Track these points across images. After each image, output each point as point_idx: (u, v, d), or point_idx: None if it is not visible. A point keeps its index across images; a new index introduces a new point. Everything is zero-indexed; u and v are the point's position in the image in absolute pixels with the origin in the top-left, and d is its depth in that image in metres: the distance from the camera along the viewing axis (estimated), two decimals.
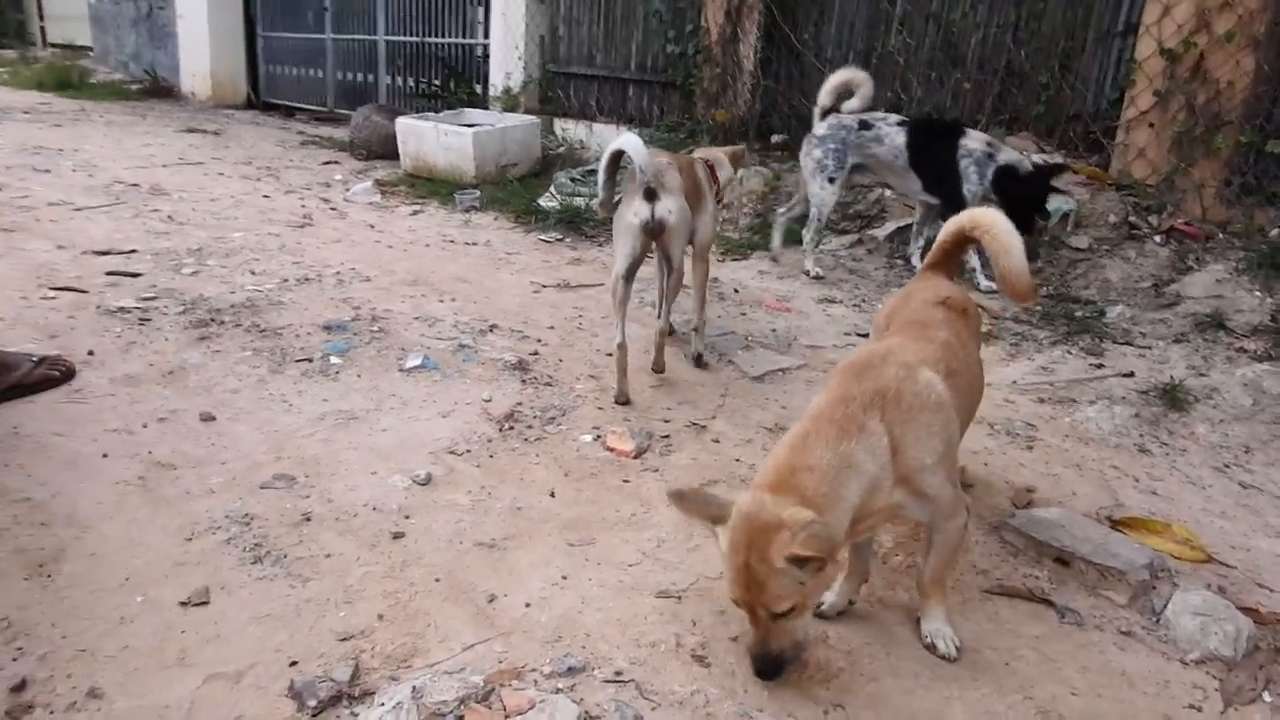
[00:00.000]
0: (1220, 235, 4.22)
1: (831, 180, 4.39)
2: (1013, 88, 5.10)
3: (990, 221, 2.20)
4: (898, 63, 5.59)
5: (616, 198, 3.15)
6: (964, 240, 2.32)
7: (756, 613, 1.65)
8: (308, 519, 2.21)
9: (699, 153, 3.57)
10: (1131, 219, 4.36)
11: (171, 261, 4.23)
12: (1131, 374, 3.38)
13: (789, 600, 1.60)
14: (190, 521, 2.16)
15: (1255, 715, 1.79)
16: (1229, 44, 4.21)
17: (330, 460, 2.51)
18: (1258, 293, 3.79)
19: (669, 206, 2.96)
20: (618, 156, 3.00)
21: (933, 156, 4.18)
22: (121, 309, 3.51)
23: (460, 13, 9.04)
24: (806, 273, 4.49)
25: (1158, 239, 4.25)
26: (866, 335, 3.78)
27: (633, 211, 2.96)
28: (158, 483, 2.31)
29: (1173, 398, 3.16)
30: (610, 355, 3.13)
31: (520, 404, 2.96)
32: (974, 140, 4.13)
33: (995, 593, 2.11)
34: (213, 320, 3.46)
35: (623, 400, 3.03)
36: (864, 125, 4.35)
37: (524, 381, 3.15)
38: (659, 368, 3.27)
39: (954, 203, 4.06)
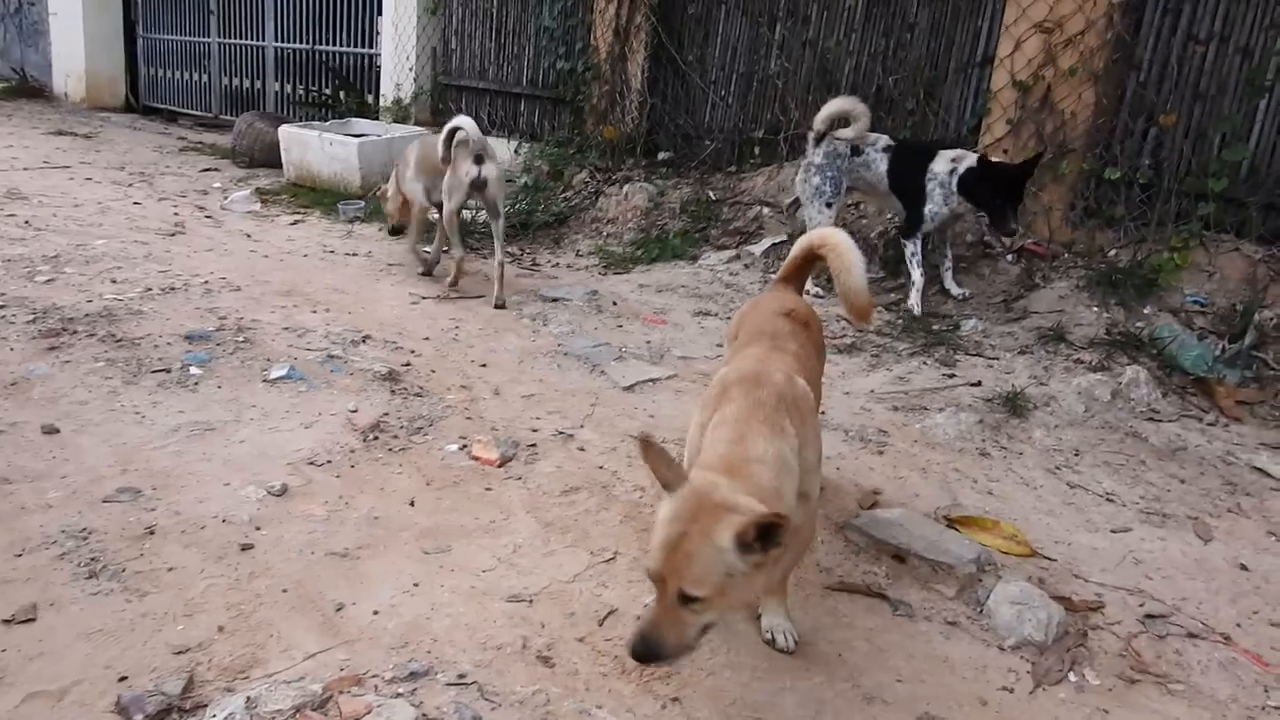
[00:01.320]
0: (1065, 255, 4.52)
1: (829, 205, 4.51)
2: (883, 112, 5.34)
3: (835, 241, 2.35)
4: (777, 86, 5.79)
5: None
6: (812, 256, 2.44)
7: (667, 591, 1.56)
8: (151, 532, 2.15)
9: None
10: (986, 239, 4.63)
11: (24, 269, 4.04)
12: (979, 383, 3.59)
13: (708, 587, 1.53)
14: (22, 537, 2.07)
15: (1061, 694, 1.94)
16: (1073, 77, 4.53)
17: (181, 472, 2.45)
18: (1095, 308, 4.09)
19: (492, 169, 4.23)
20: (454, 131, 4.19)
21: (907, 180, 4.33)
22: None
23: (352, 21, 8.90)
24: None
25: (1010, 258, 4.53)
26: None
27: (464, 171, 4.18)
28: None
29: (1014, 405, 3.38)
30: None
31: (387, 414, 2.94)
32: (940, 162, 4.23)
33: (835, 589, 2.22)
34: (64, 330, 3.32)
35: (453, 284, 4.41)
36: (855, 151, 4.46)
37: (393, 392, 3.13)
38: (501, 303, 4.24)
39: (911, 221, 4.33)
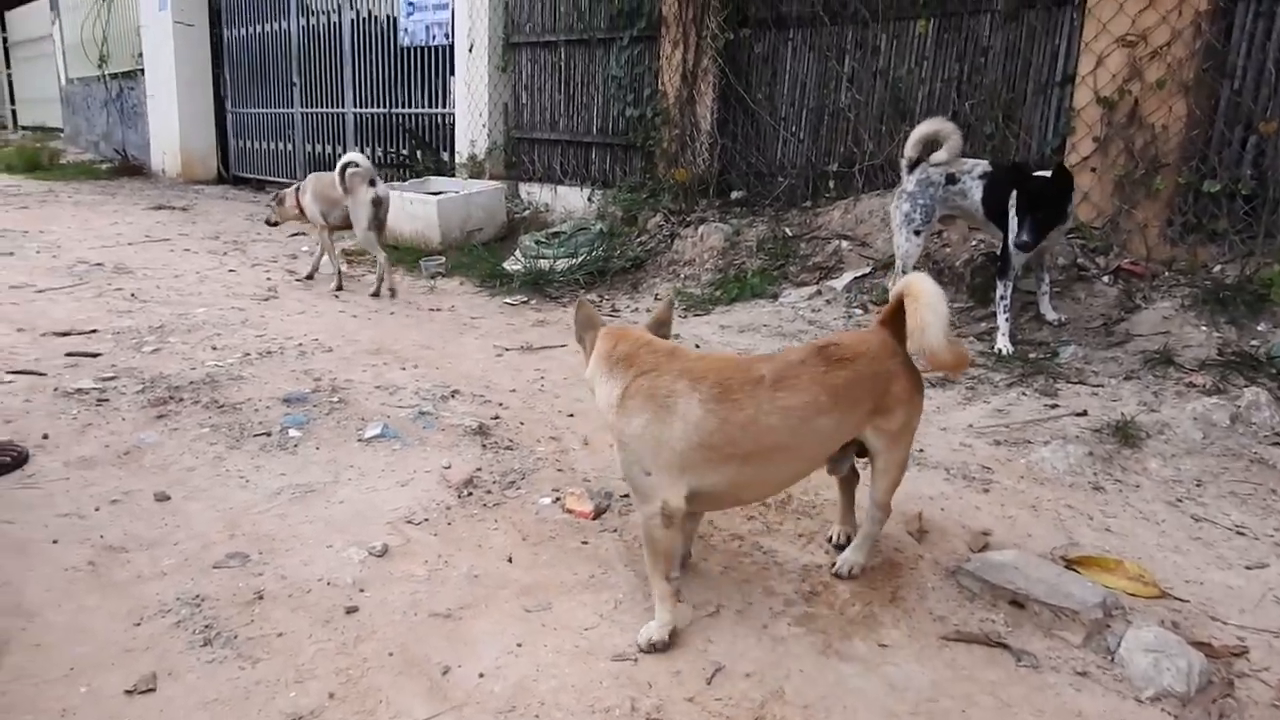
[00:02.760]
0: (1165, 273, 4.32)
1: (917, 233, 4.38)
2: (962, 138, 5.23)
3: (916, 290, 2.10)
4: (849, 118, 5.75)
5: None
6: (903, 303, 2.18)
7: None
8: (260, 597, 2.19)
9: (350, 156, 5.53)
10: (1080, 261, 4.46)
11: (132, 340, 4.23)
12: (1085, 413, 3.43)
13: None
14: (139, 605, 2.13)
15: None
16: (1161, 90, 4.37)
17: (285, 535, 2.49)
18: (1204, 328, 3.88)
19: (383, 189, 5.40)
20: (348, 165, 5.26)
21: (997, 210, 4.14)
22: (79, 390, 3.50)
23: (426, 83, 9.21)
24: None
25: (1106, 279, 4.36)
26: None
27: (364, 194, 5.26)
28: (108, 567, 2.29)
29: (1125, 434, 3.21)
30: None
31: (480, 469, 2.96)
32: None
33: (952, 639, 2.11)
34: (171, 398, 3.45)
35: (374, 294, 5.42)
36: (950, 179, 4.29)
37: (484, 446, 3.15)
38: (391, 292, 5.43)
39: (1002, 259, 4.13)
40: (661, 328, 2.30)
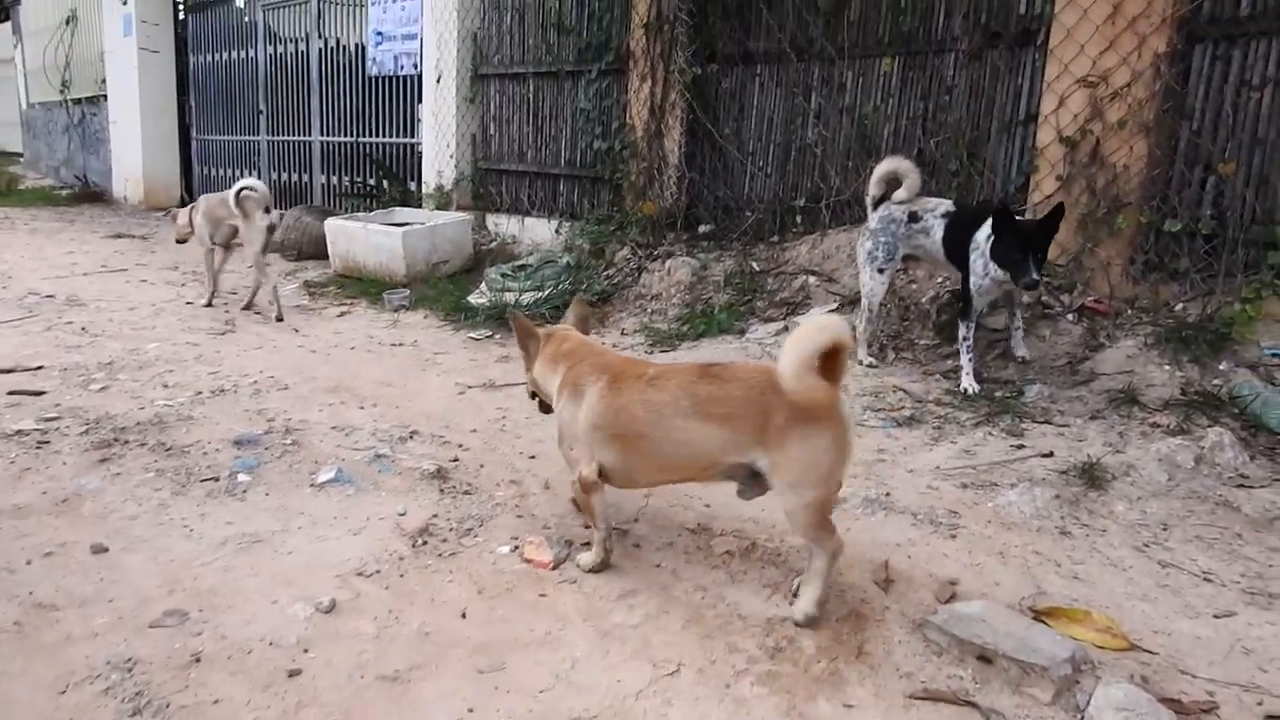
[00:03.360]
0: (1129, 311, 4.34)
1: (881, 271, 4.35)
2: (926, 175, 5.25)
3: (799, 326, 2.15)
4: (815, 154, 5.76)
5: None
6: None
7: None
8: (197, 660, 2.08)
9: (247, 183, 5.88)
10: (1044, 299, 4.48)
11: (80, 377, 4.09)
12: (1051, 454, 3.41)
13: None
14: (67, 671, 2.01)
15: None
16: (1122, 130, 4.42)
17: (228, 590, 2.38)
18: (1167, 366, 3.89)
19: (275, 215, 5.68)
20: (242, 189, 5.50)
21: (957, 250, 4.10)
22: (19, 432, 3.36)
23: (394, 113, 9.16)
24: (860, 361, 4.40)
25: (1070, 317, 4.37)
26: None
27: (259, 219, 5.53)
28: (35, 627, 2.17)
29: (1091, 477, 3.19)
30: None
31: (436, 516, 2.87)
32: (984, 230, 3.91)
33: (919, 697, 2.05)
34: (116, 440, 3.33)
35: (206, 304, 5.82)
36: (913, 217, 4.27)
37: (442, 491, 3.06)
38: (280, 316, 5.55)
39: (964, 300, 4.06)
40: (583, 323, 2.82)
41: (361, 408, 3.88)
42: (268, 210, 5.62)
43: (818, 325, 2.06)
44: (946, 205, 4.26)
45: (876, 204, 4.40)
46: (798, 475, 2.20)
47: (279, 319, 5.51)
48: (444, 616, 2.31)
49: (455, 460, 3.34)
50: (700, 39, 6.19)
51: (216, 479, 3.04)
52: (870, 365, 4.40)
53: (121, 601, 2.30)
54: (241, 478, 3.06)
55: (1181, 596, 2.52)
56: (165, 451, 3.25)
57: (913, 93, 5.35)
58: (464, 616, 2.31)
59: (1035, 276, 3.69)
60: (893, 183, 4.36)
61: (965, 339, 4.06)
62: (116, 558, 2.52)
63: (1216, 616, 2.43)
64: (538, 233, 7.32)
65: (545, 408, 2.81)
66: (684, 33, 6.16)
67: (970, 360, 4.06)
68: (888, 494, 3.09)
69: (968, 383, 4.02)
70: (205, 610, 2.28)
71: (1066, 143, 4.58)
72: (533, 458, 3.41)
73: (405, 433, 3.59)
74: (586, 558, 2.57)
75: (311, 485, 3.04)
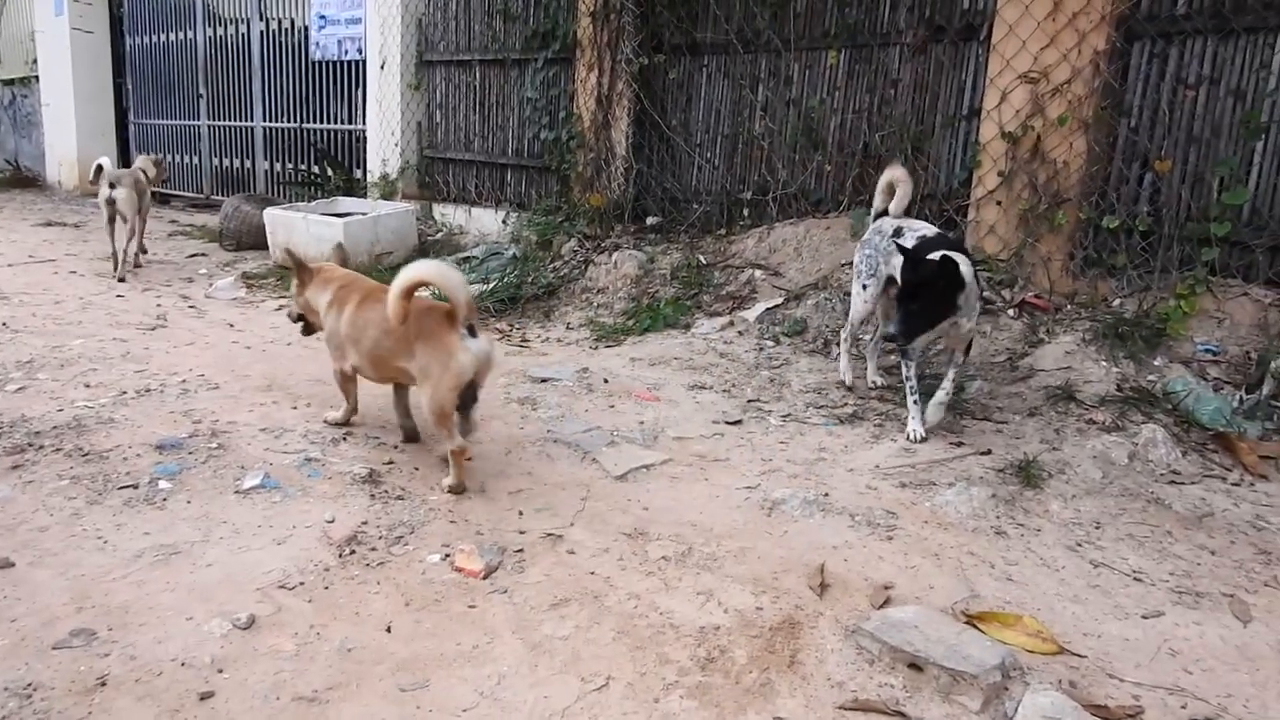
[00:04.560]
0: (1068, 306, 4.39)
1: (864, 287, 3.91)
2: (870, 169, 5.26)
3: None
4: (763, 146, 5.74)
5: None
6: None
7: None
8: (103, 683, 1.98)
9: (138, 161, 7.08)
10: (986, 294, 4.50)
11: None
12: (989, 451, 3.43)
13: None
14: None
15: None
16: (1062, 127, 4.45)
17: (141, 607, 2.28)
18: (1103, 363, 3.94)
19: (120, 192, 6.35)
20: (99, 166, 6.37)
21: None
22: None
23: (338, 98, 8.95)
24: (841, 381, 4.15)
25: (1011, 312, 4.40)
26: (736, 422, 3.76)
27: (102, 193, 6.32)
28: None
29: (1028, 475, 3.21)
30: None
31: (366, 523, 2.78)
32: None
33: (849, 708, 2.03)
34: (30, 445, 3.19)
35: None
36: (897, 234, 3.73)
37: (373, 496, 2.97)
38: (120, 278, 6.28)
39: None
40: (343, 263, 3.70)
41: (294, 407, 3.77)
42: (112, 185, 6.35)
43: (412, 267, 2.91)
44: (926, 230, 3.75)
45: (878, 215, 4.02)
46: (421, 378, 3.03)
47: (134, 270, 6.56)
48: (368, 631, 2.24)
49: (389, 463, 3.25)
50: (648, 28, 6.13)
51: (135, 486, 2.92)
52: (846, 387, 4.10)
53: (25, 621, 2.19)
54: (162, 485, 2.94)
55: (1111, 597, 2.54)
56: (82, 457, 3.11)
57: (859, 86, 5.35)
58: (389, 631, 2.24)
59: (891, 330, 3.41)
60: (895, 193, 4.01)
61: (908, 378, 3.62)
62: (23, 573, 2.40)
63: (1145, 617, 2.45)
64: (485, 223, 7.21)
65: (307, 330, 3.67)
66: (631, 22, 6.09)
67: (916, 404, 3.60)
68: (826, 494, 3.07)
69: (913, 427, 3.57)
70: (115, 629, 2.18)
71: (1008, 138, 4.61)
72: (469, 459, 3.33)
73: (339, 433, 3.49)
74: (331, 414, 3.57)
75: (236, 492, 2.94)
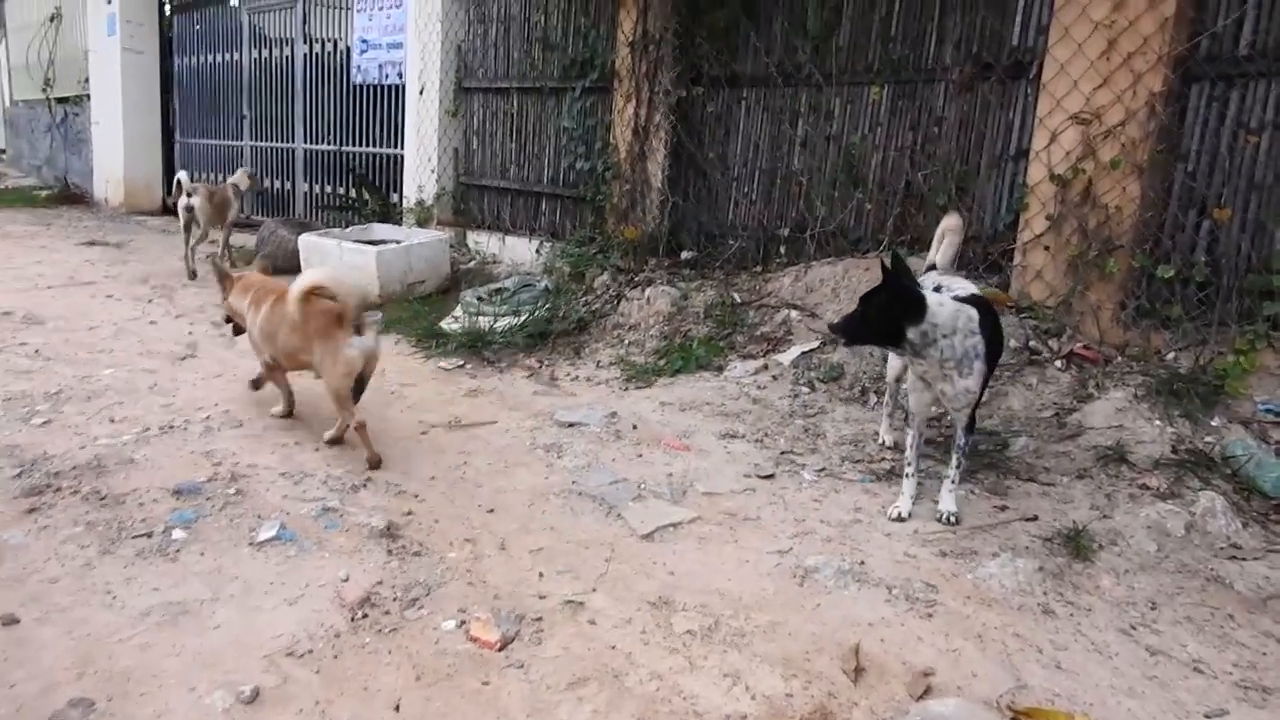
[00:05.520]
0: (1119, 358, 4.20)
1: None
2: (912, 208, 5.12)
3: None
4: (801, 182, 5.61)
5: None
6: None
7: None
8: None
9: (235, 175, 8.40)
10: (1032, 343, 4.33)
11: (23, 408, 3.91)
12: (1035, 518, 3.25)
13: None
14: None
15: None
16: (1115, 170, 4.27)
17: (143, 674, 2.20)
18: (1157, 422, 3.74)
19: (196, 200, 7.33)
20: (179, 182, 7.45)
21: None
22: None
23: (378, 123, 8.99)
24: (879, 441, 3.94)
25: (1058, 364, 4.22)
26: (769, 476, 3.62)
27: (182, 203, 7.32)
28: None
29: (1077, 546, 3.03)
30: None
31: (380, 582, 2.69)
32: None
33: None
34: (48, 486, 3.15)
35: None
36: (936, 290, 3.27)
37: (390, 552, 2.88)
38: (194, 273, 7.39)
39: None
40: (265, 272, 4.18)
41: (316, 449, 3.70)
42: (188, 195, 7.37)
43: (307, 274, 3.46)
44: (967, 288, 3.33)
45: (929, 268, 3.68)
46: (319, 369, 3.55)
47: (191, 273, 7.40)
48: (375, 709, 2.13)
49: (409, 514, 3.16)
50: (686, 60, 6.05)
51: (149, 535, 2.86)
52: (885, 445, 3.88)
53: (24, 687, 2.12)
54: (176, 534, 2.87)
55: (1170, 691, 2.37)
56: (100, 501, 3.06)
57: (901, 123, 5.21)
58: (397, 709, 2.14)
59: (835, 320, 3.33)
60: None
61: (910, 446, 3.32)
62: (28, 631, 2.34)
63: (1207, 717, 2.27)
64: (518, 252, 7.15)
65: (237, 330, 4.11)
66: (670, 53, 6.01)
67: (910, 477, 3.31)
68: (862, 563, 2.92)
69: (898, 504, 3.29)
70: (115, 699, 2.10)
71: (1058, 181, 4.44)
72: (491, 511, 3.24)
73: (359, 480, 3.41)
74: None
75: (251, 544, 2.86)
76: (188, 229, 7.46)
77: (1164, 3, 4.05)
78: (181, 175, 7.58)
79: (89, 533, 2.85)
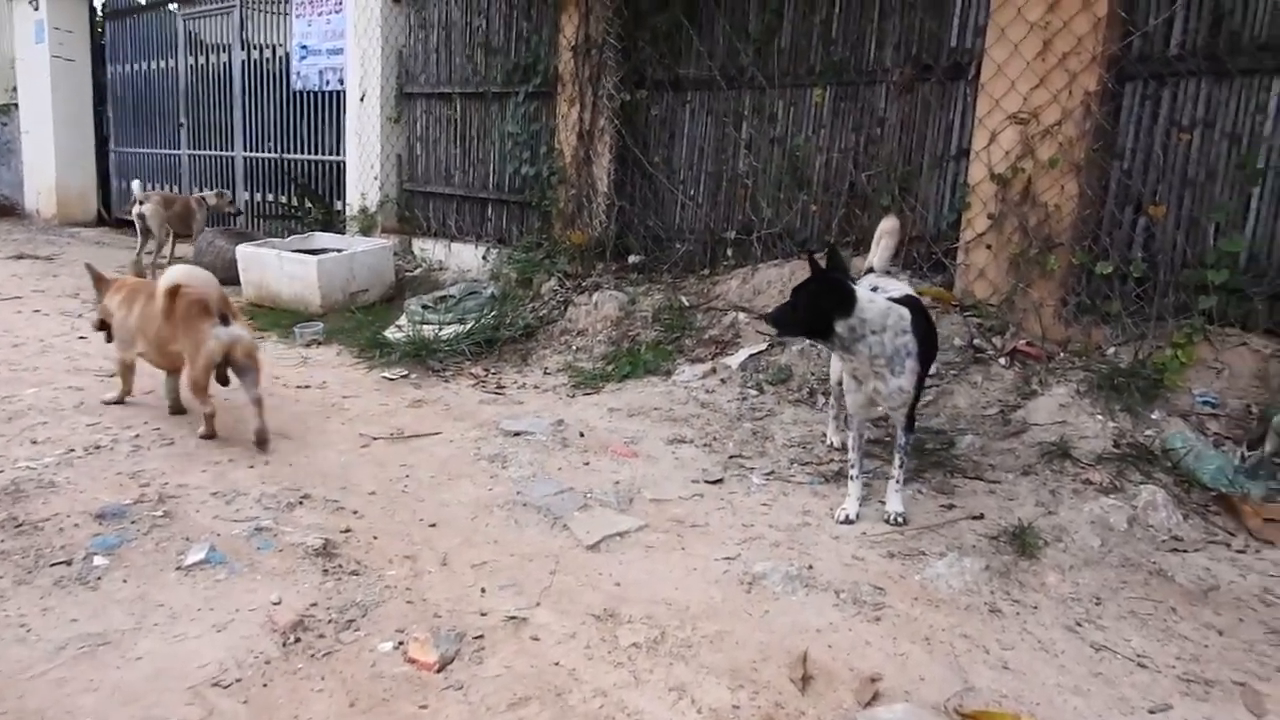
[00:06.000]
0: (1061, 354, 4.24)
1: None
2: (857, 209, 5.14)
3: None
4: (747, 185, 5.60)
5: None
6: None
7: None
8: None
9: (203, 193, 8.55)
10: (976, 341, 4.35)
11: None
12: (981, 516, 3.26)
13: None
14: None
15: None
16: (1053, 169, 4.32)
17: (58, 711, 2.08)
18: (1099, 416, 3.78)
19: (147, 207, 7.69)
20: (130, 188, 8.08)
21: None
22: None
23: (319, 129, 8.81)
24: (826, 442, 3.93)
25: (1002, 361, 4.25)
26: (717, 481, 3.58)
27: (135, 211, 7.76)
28: None
29: (1023, 543, 3.04)
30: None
31: (315, 604, 2.59)
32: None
33: None
34: None
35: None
36: (873, 290, 3.28)
37: (326, 572, 2.78)
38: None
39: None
40: (139, 277, 4.79)
41: (251, 466, 3.58)
42: (140, 203, 7.75)
43: (168, 273, 3.73)
44: (901, 289, 3.36)
45: (867, 271, 3.68)
46: (183, 359, 3.76)
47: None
48: None
49: (346, 531, 3.06)
50: (629, 64, 6.01)
51: (69, 563, 2.72)
52: (833, 447, 3.87)
53: None
54: (98, 560, 2.74)
55: (1116, 687, 2.37)
56: (16, 529, 2.91)
57: (844, 124, 5.22)
58: None
59: (771, 312, 3.22)
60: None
61: (852, 448, 3.30)
62: None
63: (1152, 712, 2.27)
64: (464, 258, 7.04)
65: (109, 337, 4.18)
66: (613, 57, 5.97)
67: (855, 479, 3.29)
68: (810, 567, 2.89)
69: (845, 507, 3.27)
70: None
71: (998, 180, 4.47)
72: (433, 526, 3.15)
73: (295, 497, 3.30)
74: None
75: (178, 568, 2.74)
76: (142, 235, 7.84)
77: (1097, 3, 4.11)
78: (134, 184, 8.04)
79: (3, 562, 2.71)
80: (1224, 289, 3.97)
